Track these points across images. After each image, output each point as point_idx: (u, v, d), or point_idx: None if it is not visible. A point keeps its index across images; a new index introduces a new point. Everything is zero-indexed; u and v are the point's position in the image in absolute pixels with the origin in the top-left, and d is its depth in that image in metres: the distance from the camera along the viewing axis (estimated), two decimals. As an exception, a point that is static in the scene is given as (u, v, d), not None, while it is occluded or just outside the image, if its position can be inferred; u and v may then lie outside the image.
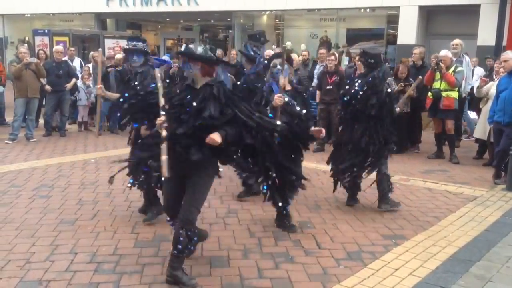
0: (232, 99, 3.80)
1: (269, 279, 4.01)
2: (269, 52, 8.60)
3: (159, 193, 4.95)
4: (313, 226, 5.23)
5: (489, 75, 9.13)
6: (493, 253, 4.62)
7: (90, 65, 11.15)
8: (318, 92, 9.47)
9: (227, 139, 3.66)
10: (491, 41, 12.41)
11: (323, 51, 10.54)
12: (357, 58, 9.79)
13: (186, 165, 3.76)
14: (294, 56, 9.83)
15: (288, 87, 5.12)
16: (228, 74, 4.29)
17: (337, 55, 10.06)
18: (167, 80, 10.36)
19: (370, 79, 5.57)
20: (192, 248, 3.95)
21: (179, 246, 3.78)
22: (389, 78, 8.95)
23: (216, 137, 3.58)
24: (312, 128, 5.04)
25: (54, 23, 23.06)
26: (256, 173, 4.71)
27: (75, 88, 10.52)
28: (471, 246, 4.77)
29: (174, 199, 3.99)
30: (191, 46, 3.84)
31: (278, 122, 4.14)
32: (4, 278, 3.94)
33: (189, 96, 3.78)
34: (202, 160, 3.71)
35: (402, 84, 8.61)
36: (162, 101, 3.86)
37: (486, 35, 13.32)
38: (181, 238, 3.76)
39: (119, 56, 10.77)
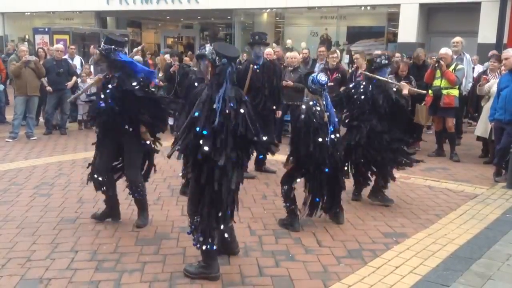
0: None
1: (269, 277, 4.01)
2: (269, 51, 8.60)
3: None
4: (313, 224, 5.23)
5: (484, 72, 9.15)
6: (493, 251, 4.62)
7: (92, 65, 11.16)
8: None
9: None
10: (492, 39, 12.40)
11: (322, 49, 10.52)
12: (358, 55, 9.82)
13: None
14: (294, 54, 9.84)
15: None
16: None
17: (339, 52, 10.04)
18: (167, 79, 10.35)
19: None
20: None
21: None
22: (389, 76, 8.95)
23: None
24: None
25: (54, 21, 23.06)
26: None
27: (75, 86, 10.52)
28: (471, 244, 4.77)
29: None
30: (207, 45, 4.10)
31: None
32: (5, 276, 3.95)
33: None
34: None
35: (403, 82, 8.59)
36: None
37: (487, 32, 13.31)
38: None
39: None
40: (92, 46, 12.51)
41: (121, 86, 4.72)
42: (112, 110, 4.74)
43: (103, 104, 4.77)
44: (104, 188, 5.00)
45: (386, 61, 5.82)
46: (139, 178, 5.06)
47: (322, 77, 5.00)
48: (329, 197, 5.14)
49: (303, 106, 4.96)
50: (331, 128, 4.98)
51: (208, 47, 3.98)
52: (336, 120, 5.13)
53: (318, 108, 4.93)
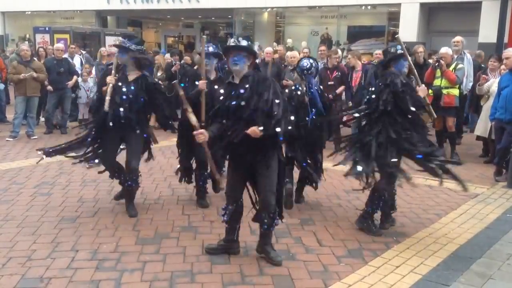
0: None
1: (270, 276, 4.02)
2: (269, 49, 8.62)
3: None
4: (314, 223, 5.23)
5: (484, 71, 9.15)
6: (494, 250, 4.62)
7: (95, 62, 11.19)
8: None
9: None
10: (493, 38, 12.37)
11: (323, 48, 10.52)
12: (349, 56, 9.84)
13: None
14: (294, 53, 9.85)
15: None
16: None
17: (340, 52, 10.06)
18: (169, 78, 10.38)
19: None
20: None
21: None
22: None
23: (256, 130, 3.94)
24: None
25: (54, 20, 23.09)
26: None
27: (75, 85, 10.53)
28: (472, 244, 4.78)
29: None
30: (240, 39, 4.19)
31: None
32: (6, 275, 3.95)
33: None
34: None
35: None
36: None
37: (488, 32, 13.30)
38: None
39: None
40: (72, 46, 12.52)
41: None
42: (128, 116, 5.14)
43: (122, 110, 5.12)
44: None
45: (402, 51, 5.01)
46: (138, 167, 5.41)
47: (305, 63, 5.45)
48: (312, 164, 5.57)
49: (286, 90, 5.51)
50: (313, 110, 5.41)
51: (246, 42, 4.14)
52: (320, 104, 5.43)
53: (299, 92, 5.40)
